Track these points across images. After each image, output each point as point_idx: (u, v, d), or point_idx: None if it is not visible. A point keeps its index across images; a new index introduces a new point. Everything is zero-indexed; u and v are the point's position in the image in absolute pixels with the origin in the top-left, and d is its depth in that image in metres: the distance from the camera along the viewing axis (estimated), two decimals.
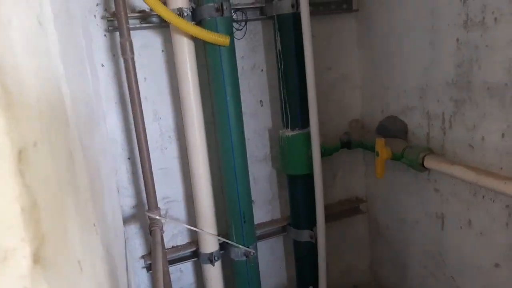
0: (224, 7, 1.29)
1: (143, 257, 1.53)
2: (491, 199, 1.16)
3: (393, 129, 1.47)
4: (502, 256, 1.16)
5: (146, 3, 1.21)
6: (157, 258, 1.14)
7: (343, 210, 1.79)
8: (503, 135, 1.07)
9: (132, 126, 1.31)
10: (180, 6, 1.29)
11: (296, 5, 1.38)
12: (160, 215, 1.35)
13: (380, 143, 1.37)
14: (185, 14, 1.29)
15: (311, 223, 1.56)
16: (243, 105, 1.44)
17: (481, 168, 1.13)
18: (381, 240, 1.79)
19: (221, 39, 1.28)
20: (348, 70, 1.68)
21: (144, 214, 1.39)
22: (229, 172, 1.41)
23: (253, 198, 1.57)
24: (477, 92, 1.13)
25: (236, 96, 1.38)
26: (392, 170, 1.57)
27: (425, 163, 1.26)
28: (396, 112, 1.49)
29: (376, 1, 1.50)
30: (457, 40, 1.16)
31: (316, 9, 1.52)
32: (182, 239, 1.57)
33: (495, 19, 1.03)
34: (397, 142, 1.39)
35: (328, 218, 1.63)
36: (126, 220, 1.49)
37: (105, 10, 1.33)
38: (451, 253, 1.37)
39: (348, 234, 1.85)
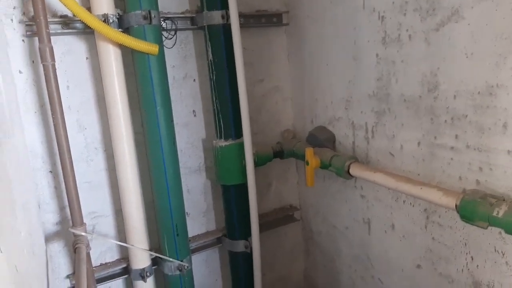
0: (152, 15, 1.26)
1: (68, 276, 1.43)
2: (410, 203, 1.24)
3: (322, 138, 1.52)
4: (423, 257, 1.23)
5: (68, 8, 1.16)
6: (81, 277, 1.08)
7: (278, 219, 1.81)
8: (419, 144, 1.15)
9: (54, 137, 1.23)
10: (106, 12, 1.24)
11: (226, 16, 1.39)
12: (86, 231, 1.28)
13: (309, 152, 1.41)
14: (111, 20, 1.25)
15: (246, 233, 1.56)
16: (175, 115, 1.42)
17: (400, 174, 1.20)
18: (314, 247, 1.83)
19: (149, 48, 1.25)
20: (280, 82, 1.72)
21: (69, 231, 1.30)
22: (161, 184, 1.37)
23: (187, 210, 1.54)
24: (395, 103, 1.20)
25: (167, 106, 1.36)
26: (322, 179, 1.63)
27: (350, 171, 1.31)
28: (325, 123, 1.55)
29: (305, 16, 1.55)
30: (377, 55, 1.23)
31: (246, 22, 1.54)
32: (112, 256, 1.49)
33: (409, 36, 1.11)
34: (325, 151, 1.44)
35: (263, 227, 1.65)
36: (49, 238, 1.39)
37: (23, 14, 1.24)
38: (378, 256, 1.44)
39: (283, 242, 1.87)
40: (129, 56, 1.32)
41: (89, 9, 1.25)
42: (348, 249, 1.59)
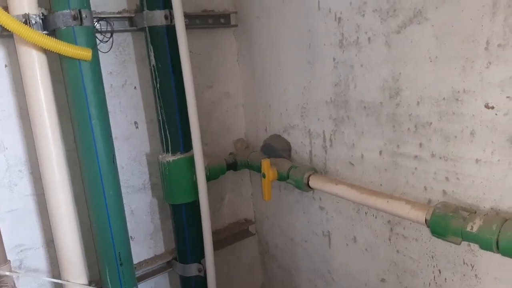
0: (84, 15, 1.10)
1: None
2: (373, 215, 1.18)
3: (277, 148, 1.43)
4: (387, 270, 1.17)
5: None
6: None
7: (233, 234, 1.70)
8: (380, 152, 1.09)
9: None
10: (27, 12, 1.06)
11: (170, 17, 1.26)
12: (10, 270, 1.11)
13: (266, 164, 1.31)
14: (33, 21, 1.07)
15: (199, 255, 1.43)
16: (113, 128, 1.25)
17: (362, 185, 1.13)
18: (271, 261, 1.74)
19: (81, 53, 1.09)
20: (230, 88, 1.61)
21: None
22: (99, 208, 1.20)
23: (131, 234, 1.37)
24: (355, 110, 1.14)
25: (104, 118, 1.19)
26: (278, 189, 1.54)
27: (310, 183, 1.23)
28: (279, 131, 1.46)
29: (255, 17, 1.46)
30: (334, 59, 1.16)
31: (192, 22, 1.42)
32: None
33: (369, 38, 1.04)
34: (282, 162, 1.35)
35: (217, 244, 1.53)
36: None
37: None
38: (339, 270, 1.37)
39: (239, 258, 1.76)
40: (57, 62, 1.15)
41: (6, 8, 1.06)
42: (307, 263, 1.51)
